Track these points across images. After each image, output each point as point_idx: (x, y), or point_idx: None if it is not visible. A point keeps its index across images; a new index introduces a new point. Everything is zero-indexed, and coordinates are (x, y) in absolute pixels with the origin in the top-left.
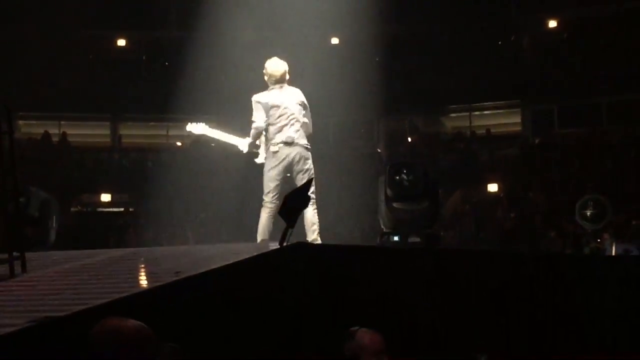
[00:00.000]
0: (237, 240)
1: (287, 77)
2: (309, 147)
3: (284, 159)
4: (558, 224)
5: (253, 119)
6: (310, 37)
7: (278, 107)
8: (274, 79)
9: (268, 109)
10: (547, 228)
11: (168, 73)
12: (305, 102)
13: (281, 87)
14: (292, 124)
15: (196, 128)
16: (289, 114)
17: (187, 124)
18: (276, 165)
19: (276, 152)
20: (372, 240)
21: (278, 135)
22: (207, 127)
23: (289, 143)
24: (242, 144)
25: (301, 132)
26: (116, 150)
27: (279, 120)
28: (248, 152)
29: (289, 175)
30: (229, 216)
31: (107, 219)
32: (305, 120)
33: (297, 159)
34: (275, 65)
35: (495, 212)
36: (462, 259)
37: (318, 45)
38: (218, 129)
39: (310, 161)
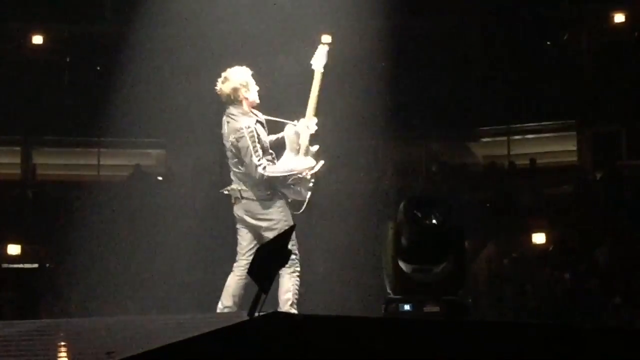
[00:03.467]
0: (195, 310)
1: (245, 95)
2: (263, 196)
3: (236, 217)
4: (626, 288)
5: None
6: (293, 35)
7: (224, 144)
8: (221, 99)
9: None
10: (612, 293)
11: (100, 81)
12: (240, 140)
13: (229, 112)
14: (231, 169)
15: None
16: (228, 156)
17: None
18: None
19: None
20: (374, 309)
21: None
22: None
23: (234, 198)
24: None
25: (241, 179)
26: (29, 185)
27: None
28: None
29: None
30: (183, 277)
31: (15, 279)
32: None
33: (249, 217)
34: (223, 78)
35: (542, 271)
36: (497, 334)
37: (303, 45)
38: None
39: (269, 210)
